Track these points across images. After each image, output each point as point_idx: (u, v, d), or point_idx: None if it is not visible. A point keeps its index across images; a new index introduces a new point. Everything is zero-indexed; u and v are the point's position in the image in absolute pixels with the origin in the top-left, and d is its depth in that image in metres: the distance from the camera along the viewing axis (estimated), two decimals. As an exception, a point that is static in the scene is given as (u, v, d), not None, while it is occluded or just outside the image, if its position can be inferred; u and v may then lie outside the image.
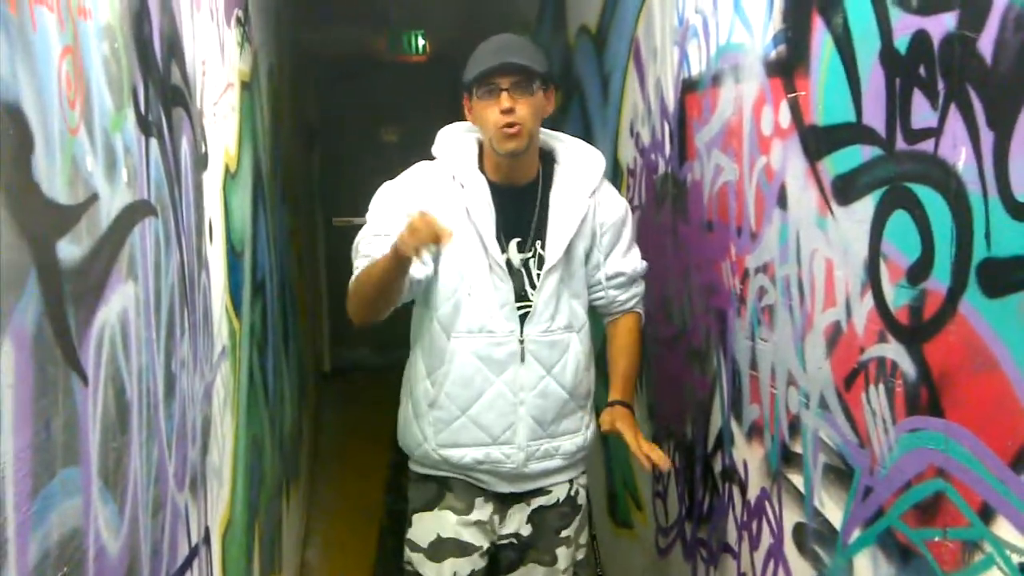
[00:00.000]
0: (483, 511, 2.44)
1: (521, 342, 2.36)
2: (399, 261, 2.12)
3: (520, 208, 2.38)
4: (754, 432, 2.22)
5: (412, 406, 2.45)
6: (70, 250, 1.08)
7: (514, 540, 2.49)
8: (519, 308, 2.36)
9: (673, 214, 2.80)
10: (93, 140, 1.17)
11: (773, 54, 2.00)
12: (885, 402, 1.60)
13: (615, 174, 3.50)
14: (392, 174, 2.47)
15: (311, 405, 5.75)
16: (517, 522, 2.48)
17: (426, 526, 2.44)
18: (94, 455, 1.15)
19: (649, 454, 2.32)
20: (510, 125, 2.26)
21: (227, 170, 2.53)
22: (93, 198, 1.17)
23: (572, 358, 2.43)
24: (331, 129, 8.04)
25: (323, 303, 7.68)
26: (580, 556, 2.57)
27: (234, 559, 2.30)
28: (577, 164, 2.45)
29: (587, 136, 3.95)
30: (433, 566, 2.41)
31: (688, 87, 2.60)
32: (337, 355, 7.77)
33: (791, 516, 2.03)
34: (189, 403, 1.77)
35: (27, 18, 0.97)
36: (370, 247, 2.29)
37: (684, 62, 2.61)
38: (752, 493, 2.25)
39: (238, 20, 2.96)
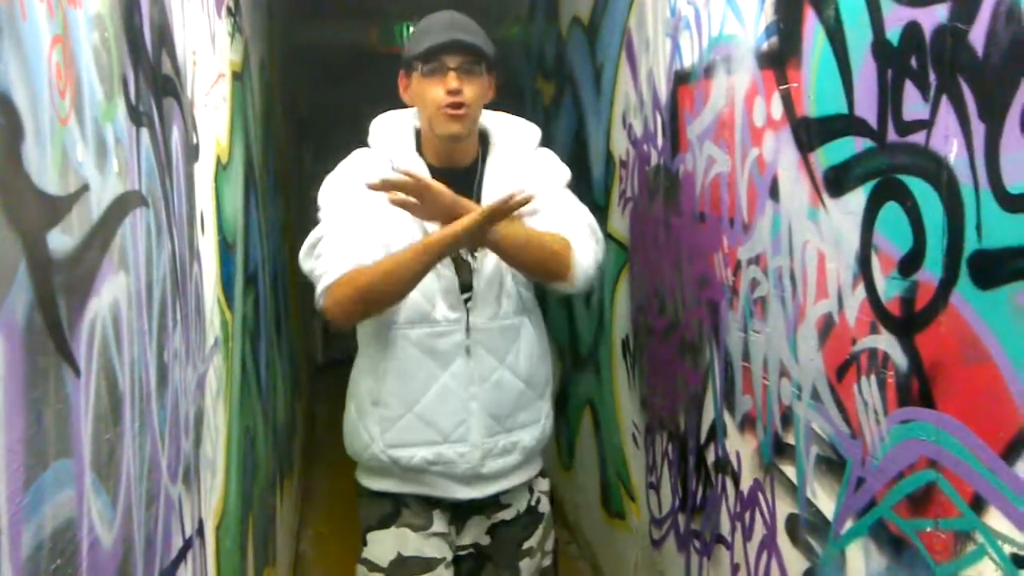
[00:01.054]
0: (441, 523, 2.31)
1: (468, 332, 2.22)
2: (448, 236, 2.03)
3: (461, 191, 2.15)
4: (747, 423, 2.23)
5: (356, 406, 2.32)
6: (61, 241, 1.07)
7: (472, 550, 2.38)
8: (466, 297, 2.22)
9: (665, 206, 2.80)
10: (84, 130, 1.17)
11: (765, 46, 2.00)
12: (877, 393, 1.61)
13: (607, 165, 3.50)
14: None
15: (304, 397, 5.75)
16: (475, 533, 2.36)
17: (384, 545, 2.31)
18: (87, 447, 1.14)
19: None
20: (456, 106, 2.14)
21: (218, 161, 2.52)
22: (84, 188, 1.16)
23: (525, 344, 2.28)
24: (322, 121, 8.02)
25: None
26: (547, 563, 2.45)
27: (228, 551, 2.30)
28: (511, 139, 2.33)
29: (580, 127, 3.95)
30: None
31: (680, 79, 2.60)
32: (330, 347, 7.77)
33: (784, 507, 2.03)
34: (182, 395, 1.77)
35: (16, 6, 0.96)
36: (346, 244, 2.14)
37: (676, 53, 2.61)
38: (745, 484, 2.26)
39: (228, 10, 2.95)
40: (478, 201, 2.20)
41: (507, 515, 2.37)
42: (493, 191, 2.22)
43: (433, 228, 2.14)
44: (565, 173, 2.37)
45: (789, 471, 1.99)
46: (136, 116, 1.46)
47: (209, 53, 2.47)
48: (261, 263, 3.44)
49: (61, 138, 1.08)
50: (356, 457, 2.39)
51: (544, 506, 2.44)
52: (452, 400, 2.23)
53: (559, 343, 4.42)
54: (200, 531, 1.94)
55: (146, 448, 1.45)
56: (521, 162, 2.31)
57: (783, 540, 2.04)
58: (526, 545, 2.40)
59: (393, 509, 2.32)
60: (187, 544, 1.78)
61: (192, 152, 2.07)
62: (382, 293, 2.11)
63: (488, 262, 2.22)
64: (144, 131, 1.52)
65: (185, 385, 1.81)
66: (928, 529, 1.47)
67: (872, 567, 1.65)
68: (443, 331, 2.21)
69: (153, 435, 1.51)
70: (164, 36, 1.79)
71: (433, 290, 2.20)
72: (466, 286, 2.23)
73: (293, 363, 4.92)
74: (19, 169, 0.96)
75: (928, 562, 1.47)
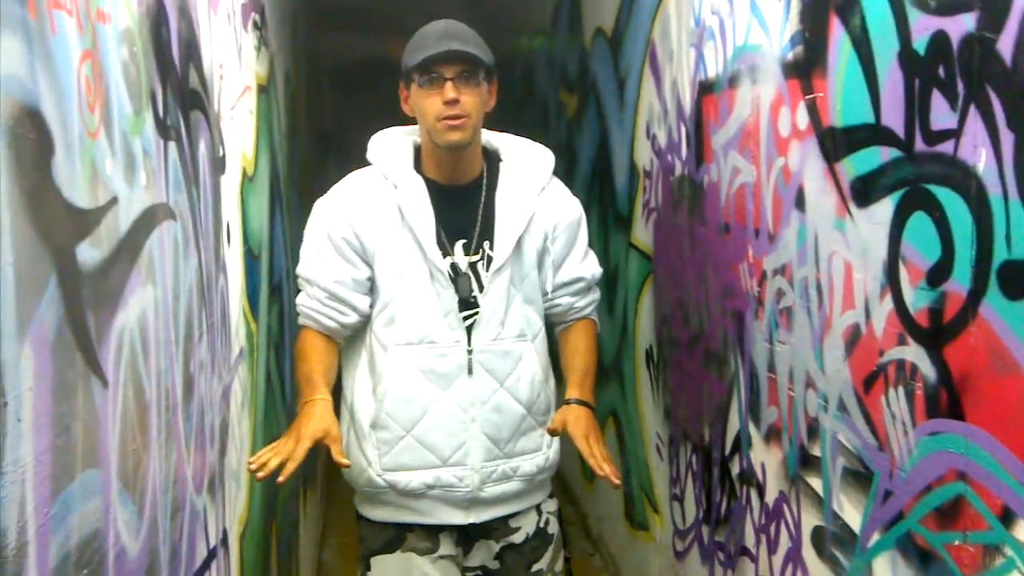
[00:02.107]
0: (449, 546, 2.26)
1: (469, 352, 2.17)
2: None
3: (464, 208, 2.20)
4: (772, 435, 2.21)
5: (354, 428, 2.24)
6: (90, 253, 1.08)
7: (480, 572, 2.32)
8: (466, 316, 2.18)
9: (690, 216, 2.79)
10: (112, 143, 1.18)
11: (790, 55, 1.99)
12: (905, 405, 1.59)
13: (631, 176, 3.49)
14: None
15: (328, 407, 5.76)
16: (483, 556, 2.31)
17: (389, 570, 2.24)
18: (114, 457, 1.15)
19: (602, 465, 2.14)
20: (454, 117, 2.11)
21: (244, 173, 2.54)
22: (112, 201, 1.17)
23: (527, 369, 2.23)
24: (346, 133, 8.06)
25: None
26: None
27: (251, 560, 2.30)
28: (523, 160, 2.30)
29: (603, 138, 3.95)
30: None
31: (705, 89, 2.59)
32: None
33: (809, 519, 2.01)
34: (207, 405, 1.78)
35: (46, 22, 0.97)
36: (309, 270, 2.24)
37: (700, 64, 2.61)
38: (770, 496, 2.24)
39: (255, 24, 2.98)
40: (488, 217, 2.22)
41: (516, 538, 2.31)
42: (517, 206, 2.23)
43: (426, 234, 2.16)
44: (578, 209, 2.38)
45: (815, 483, 1.98)
46: (164, 129, 1.48)
47: (235, 67, 2.49)
48: (286, 274, 3.46)
49: (90, 152, 1.10)
50: (352, 483, 2.31)
51: (553, 527, 2.38)
52: (451, 422, 2.18)
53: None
54: (224, 540, 1.95)
55: (172, 458, 1.46)
56: (540, 184, 2.29)
57: (809, 553, 2.02)
58: (535, 568, 2.34)
59: (396, 533, 2.25)
60: (211, 553, 1.79)
61: (219, 164, 2.09)
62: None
63: (498, 284, 2.19)
64: (172, 144, 1.53)
65: (211, 396, 1.82)
66: (956, 542, 1.46)
67: (900, 581, 1.63)
68: (444, 352, 2.17)
69: (179, 445, 1.52)
70: (191, 50, 1.80)
71: (434, 310, 2.17)
72: (467, 303, 2.19)
73: (317, 373, 4.93)
74: (49, 183, 0.97)
75: (956, 575, 1.45)
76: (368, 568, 2.27)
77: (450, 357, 2.17)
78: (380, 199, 2.21)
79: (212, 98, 2.04)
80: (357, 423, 2.23)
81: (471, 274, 2.20)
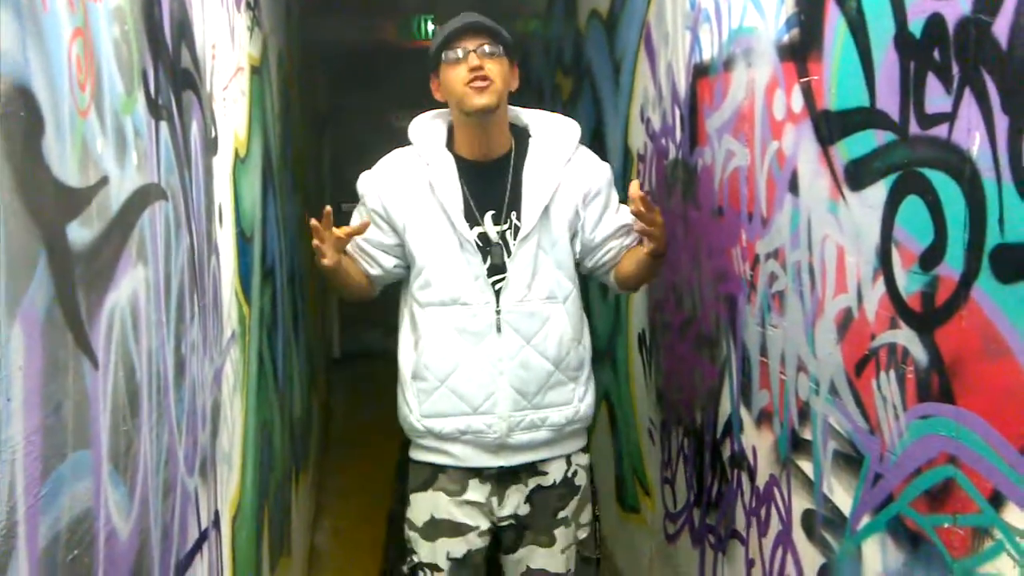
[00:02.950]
0: (479, 492, 2.42)
1: (498, 313, 2.35)
2: (324, 270, 2.40)
3: (493, 181, 2.38)
4: (763, 418, 2.22)
5: (400, 380, 2.47)
6: (80, 233, 1.08)
7: (513, 521, 2.46)
8: (495, 280, 2.36)
9: (683, 200, 2.79)
10: (103, 123, 1.17)
11: (786, 38, 1.98)
12: (896, 388, 1.59)
13: (625, 160, 3.49)
14: None
15: (321, 390, 5.77)
16: (515, 503, 2.44)
17: (421, 506, 2.45)
18: (104, 438, 1.15)
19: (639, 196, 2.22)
20: (480, 80, 2.27)
21: (237, 155, 2.53)
22: (103, 181, 1.17)
23: (555, 329, 2.38)
24: (341, 115, 8.03)
25: (332, 289, 7.69)
26: (582, 536, 2.54)
27: (243, 543, 2.31)
28: (551, 134, 2.44)
29: (598, 122, 3.94)
30: (427, 545, 2.44)
31: (700, 72, 2.59)
32: (347, 340, 7.79)
33: (800, 502, 2.02)
34: (199, 387, 1.77)
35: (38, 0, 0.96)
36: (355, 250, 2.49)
37: (696, 47, 2.60)
38: (761, 479, 2.25)
39: (248, 4, 2.96)
40: (516, 189, 2.38)
41: (544, 481, 2.46)
42: (545, 178, 2.38)
43: (454, 207, 2.35)
44: (607, 172, 2.52)
45: (806, 466, 1.98)
46: (155, 109, 1.47)
47: (228, 47, 2.47)
48: (279, 257, 3.45)
49: (81, 131, 1.09)
50: (402, 426, 2.52)
51: (581, 479, 2.51)
52: (481, 375, 2.36)
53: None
54: (216, 523, 1.95)
55: (163, 440, 1.46)
56: (566, 156, 2.42)
57: (799, 536, 2.03)
58: (561, 514, 2.47)
59: (431, 475, 2.45)
60: (203, 535, 1.79)
61: (211, 145, 2.08)
62: (335, 289, 2.64)
63: (524, 251, 2.35)
64: (163, 124, 1.52)
65: (202, 377, 1.82)
66: (946, 525, 1.46)
67: (889, 563, 1.64)
68: (475, 312, 2.36)
69: (170, 427, 1.51)
70: (183, 30, 1.79)
71: (464, 275, 2.35)
72: (498, 268, 2.36)
73: (310, 357, 4.94)
74: (39, 161, 0.96)
75: (945, 558, 1.46)
76: (407, 504, 2.50)
77: (480, 317, 2.36)
78: (413, 176, 2.41)
79: (204, 78, 2.03)
80: (401, 375, 2.47)
81: (501, 243, 2.38)
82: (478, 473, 2.42)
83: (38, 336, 0.94)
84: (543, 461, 2.45)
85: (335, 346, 7.78)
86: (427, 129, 2.45)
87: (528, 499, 2.45)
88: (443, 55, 2.31)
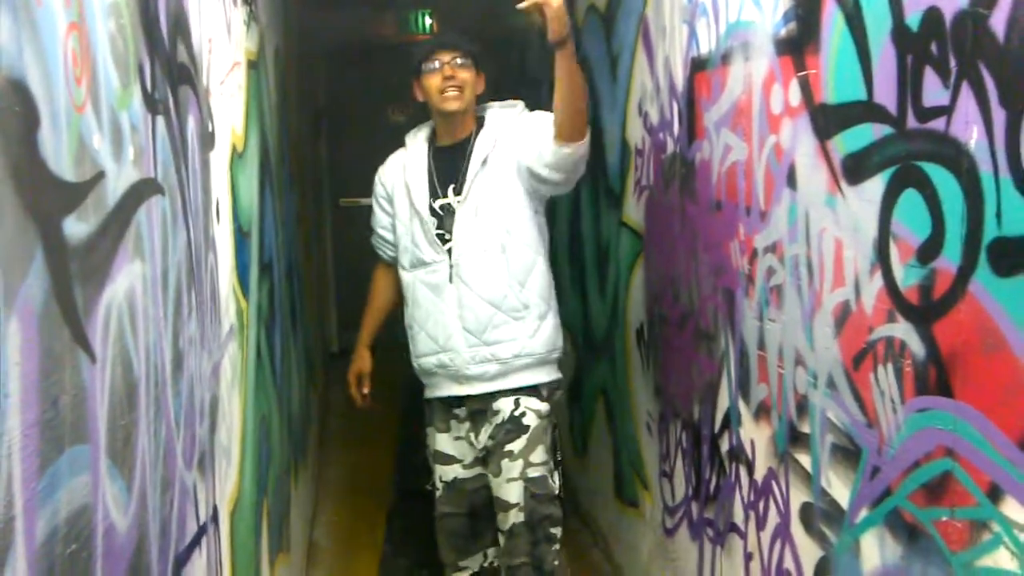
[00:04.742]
0: (460, 428, 2.99)
1: (451, 267, 2.87)
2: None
3: (455, 160, 2.92)
4: (761, 412, 2.22)
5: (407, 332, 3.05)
6: (77, 228, 1.07)
7: (484, 451, 2.95)
8: (447, 240, 2.88)
9: (681, 194, 2.79)
10: (99, 117, 1.17)
11: (783, 32, 1.98)
12: (894, 382, 1.60)
13: (623, 154, 3.49)
14: None
15: (319, 385, 5.77)
16: (484, 437, 2.93)
17: (429, 438, 3.07)
18: (102, 432, 1.15)
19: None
20: (452, 87, 2.84)
21: (234, 149, 2.53)
22: (99, 176, 1.16)
23: (494, 275, 2.84)
24: (338, 110, 8.01)
25: (330, 284, 7.69)
26: (534, 474, 2.87)
27: (242, 538, 2.31)
28: (493, 117, 2.95)
29: (595, 116, 3.93)
30: (435, 467, 3.06)
31: (697, 66, 2.58)
32: (345, 336, 7.78)
33: (798, 496, 2.03)
34: (197, 382, 1.77)
35: (32, -7, 0.96)
36: (372, 220, 3.16)
37: (693, 40, 2.60)
38: (759, 473, 2.25)
39: (244, -1, 2.95)
40: (468, 163, 2.90)
41: (497, 420, 2.91)
42: (480, 150, 2.89)
43: (416, 184, 2.95)
44: (515, 111, 2.98)
45: (804, 460, 1.99)
46: (152, 104, 1.46)
47: (225, 41, 2.47)
48: (276, 252, 3.44)
49: (77, 125, 1.08)
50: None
51: (530, 420, 2.90)
52: (443, 318, 2.90)
53: (572, 331, 4.41)
54: (215, 517, 1.95)
55: (161, 434, 1.46)
56: (503, 125, 2.92)
57: (797, 529, 2.03)
58: (507, 448, 2.88)
59: (429, 413, 3.06)
60: (202, 530, 1.79)
61: (208, 140, 2.07)
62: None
63: (462, 215, 2.86)
64: (160, 119, 1.52)
65: (200, 372, 1.82)
66: (944, 518, 1.47)
67: (887, 556, 1.64)
68: (433, 269, 2.91)
69: (168, 421, 1.51)
70: (180, 24, 1.79)
71: (421, 239, 2.91)
72: (451, 230, 2.88)
73: (308, 352, 4.94)
74: (35, 156, 0.96)
75: (944, 551, 1.46)
76: (427, 436, 3.10)
77: (438, 272, 2.90)
78: (399, 163, 3.04)
79: (201, 73, 2.03)
80: (405, 327, 3.04)
81: (451, 206, 2.91)
82: (455, 415, 2.97)
83: (35, 330, 0.94)
84: (495, 397, 2.89)
85: (334, 342, 7.78)
86: (416, 131, 3.06)
87: (490, 435, 2.91)
88: (423, 66, 2.87)
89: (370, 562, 4.15)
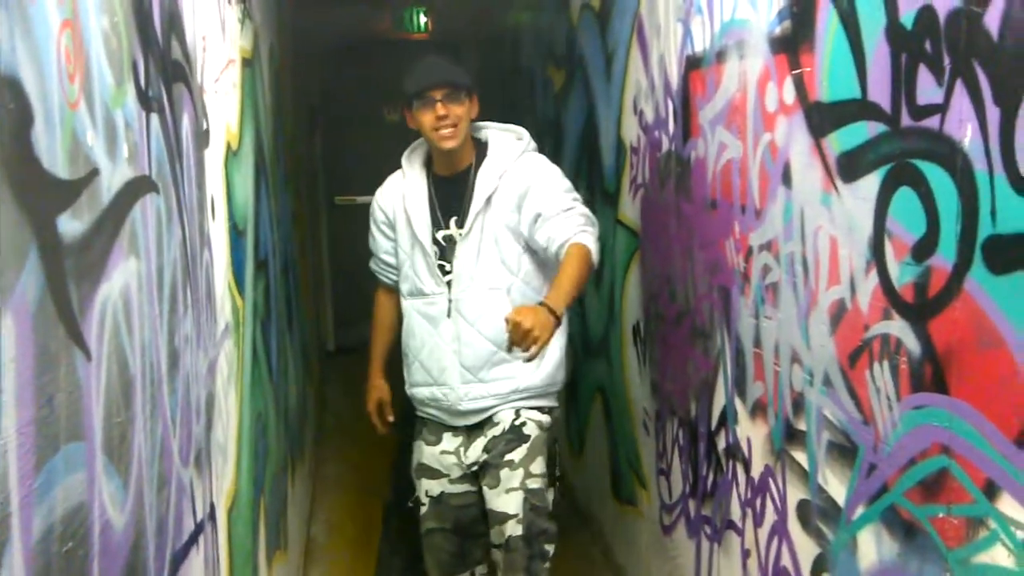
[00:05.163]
0: (450, 442, 2.94)
1: (450, 301, 2.82)
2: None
3: (457, 192, 2.85)
4: (758, 409, 2.22)
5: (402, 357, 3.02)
6: (71, 225, 1.07)
7: (476, 466, 2.89)
8: (447, 272, 2.83)
9: (676, 192, 2.79)
10: (93, 115, 1.17)
11: (778, 30, 1.98)
12: (889, 379, 1.60)
13: (618, 152, 3.49)
14: (394, 153, 2.98)
15: (315, 383, 5.76)
16: (477, 451, 2.88)
17: (414, 453, 3.03)
18: (98, 430, 1.15)
19: (510, 318, 2.38)
20: (445, 126, 2.75)
21: (229, 147, 2.52)
22: (94, 173, 1.16)
23: (495, 314, 2.72)
24: (333, 108, 8.00)
25: (326, 282, 7.68)
26: (533, 485, 2.80)
27: (240, 535, 2.31)
28: (497, 150, 2.85)
29: (590, 114, 3.93)
30: (417, 483, 3.01)
31: (692, 64, 2.59)
32: (341, 334, 7.78)
33: (795, 493, 2.03)
34: (193, 379, 1.77)
35: (26, -9, 0.96)
36: (371, 245, 3.08)
37: (688, 38, 2.60)
38: (756, 470, 2.26)
39: (239, -4, 2.94)
40: (471, 197, 2.81)
41: (496, 431, 2.86)
42: (482, 188, 2.80)
43: (417, 215, 2.86)
44: (551, 169, 2.84)
45: (800, 457, 1.99)
46: (146, 101, 1.46)
47: (219, 39, 2.46)
48: (272, 250, 3.44)
49: (71, 123, 1.08)
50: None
51: (531, 429, 2.84)
52: (438, 352, 2.87)
53: (569, 330, 4.40)
54: (212, 515, 1.95)
55: (157, 432, 1.46)
56: (503, 168, 2.81)
57: (794, 526, 2.04)
58: (507, 457, 2.82)
59: (418, 427, 3.03)
60: (199, 528, 1.79)
61: (202, 138, 2.07)
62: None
63: (463, 250, 2.80)
64: (154, 116, 1.52)
65: (196, 370, 1.81)
66: (940, 515, 1.47)
67: (884, 553, 1.65)
68: (432, 301, 2.86)
69: (164, 419, 1.51)
70: (174, 21, 1.78)
71: (422, 269, 2.86)
72: (450, 262, 2.82)
73: (304, 350, 4.93)
74: (29, 153, 0.96)
75: (940, 548, 1.47)
76: (413, 449, 3.05)
77: (437, 304, 2.85)
78: (398, 190, 2.96)
79: (195, 71, 2.02)
80: (403, 353, 3.01)
81: (457, 243, 2.83)
82: (451, 428, 2.92)
83: (29, 328, 0.94)
84: (494, 411, 2.84)
85: (329, 340, 7.78)
86: (411, 153, 2.98)
87: (485, 447, 2.87)
88: (413, 101, 2.77)
89: (367, 559, 4.15)
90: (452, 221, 2.84)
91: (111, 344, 1.21)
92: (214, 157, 2.23)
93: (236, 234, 2.54)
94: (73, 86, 1.10)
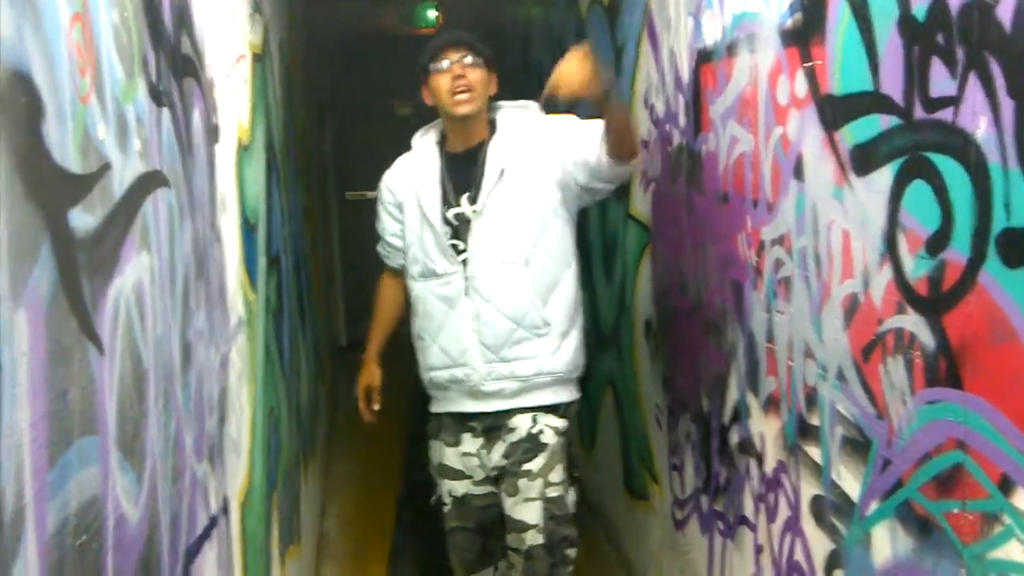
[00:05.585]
0: (471, 444, 2.84)
1: (466, 279, 2.72)
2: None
3: (469, 168, 2.75)
4: (771, 404, 2.21)
5: (415, 343, 2.91)
6: (83, 219, 1.07)
7: (497, 472, 2.81)
8: (462, 251, 2.73)
9: (688, 186, 2.78)
10: (104, 109, 1.17)
11: (789, 22, 1.97)
12: (903, 374, 1.59)
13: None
14: (404, 147, 2.94)
15: (327, 378, 5.78)
16: (498, 455, 2.80)
17: (433, 452, 2.94)
18: (112, 424, 1.15)
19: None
20: (461, 89, 2.65)
21: (240, 143, 2.53)
22: (105, 167, 1.16)
23: (514, 290, 2.69)
24: (344, 104, 8.01)
25: (338, 278, 7.70)
26: (552, 494, 2.74)
27: (253, 529, 2.31)
28: (507, 123, 2.78)
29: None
30: (440, 481, 2.93)
31: (703, 57, 2.58)
32: (353, 329, 7.79)
33: (808, 488, 2.02)
34: (206, 374, 1.77)
35: (37, -15, 0.96)
36: (377, 227, 2.98)
37: (698, 32, 2.59)
38: (769, 465, 2.25)
39: (250, -8, 2.95)
40: (483, 171, 2.73)
41: (513, 437, 2.77)
42: (494, 161, 2.71)
43: (427, 192, 2.76)
44: (554, 118, 2.75)
45: (814, 452, 1.98)
46: (157, 96, 1.46)
47: (229, 34, 2.46)
48: (283, 245, 3.45)
49: (82, 117, 1.08)
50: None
51: (548, 437, 2.76)
52: (456, 332, 2.76)
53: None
54: (225, 509, 1.95)
55: (171, 426, 1.46)
56: (518, 132, 2.75)
57: (807, 522, 2.03)
58: (525, 467, 2.74)
59: (437, 425, 2.92)
60: (212, 522, 1.79)
61: (213, 133, 2.07)
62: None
63: (479, 227, 2.70)
64: (165, 111, 1.52)
65: (209, 364, 1.82)
66: (955, 511, 1.46)
67: (898, 549, 1.64)
68: (447, 280, 2.75)
69: (178, 413, 1.52)
70: (184, 16, 1.79)
71: (432, 249, 2.76)
72: (464, 241, 2.73)
73: (316, 345, 4.94)
74: (40, 147, 0.96)
75: (955, 544, 1.46)
76: (429, 448, 2.97)
77: (452, 284, 2.75)
78: (407, 171, 2.86)
79: (206, 66, 2.02)
80: (414, 338, 2.90)
81: (471, 220, 2.74)
82: (470, 428, 2.82)
83: (42, 322, 0.94)
84: (511, 414, 2.76)
85: (341, 335, 7.80)
86: (424, 132, 2.90)
87: (505, 453, 2.78)
88: (430, 66, 2.68)
89: (380, 553, 4.16)
90: (464, 198, 2.74)
91: (124, 339, 1.21)
92: (225, 152, 2.24)
93: (248, 229, 2.54)
94: (84, 80, 1.10)
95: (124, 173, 1.24)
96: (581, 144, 2.63)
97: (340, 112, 8.03)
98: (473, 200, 2.72)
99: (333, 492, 4.91)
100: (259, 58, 3.09)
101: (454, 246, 2.73)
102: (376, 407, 3.03)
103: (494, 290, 2.70)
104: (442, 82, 2.67)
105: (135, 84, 1.33)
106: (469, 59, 2.67)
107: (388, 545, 4.25)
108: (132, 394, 1.25)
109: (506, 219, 2.69)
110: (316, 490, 4.39)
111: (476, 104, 2.68)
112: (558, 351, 2.75)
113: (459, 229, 2.74)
